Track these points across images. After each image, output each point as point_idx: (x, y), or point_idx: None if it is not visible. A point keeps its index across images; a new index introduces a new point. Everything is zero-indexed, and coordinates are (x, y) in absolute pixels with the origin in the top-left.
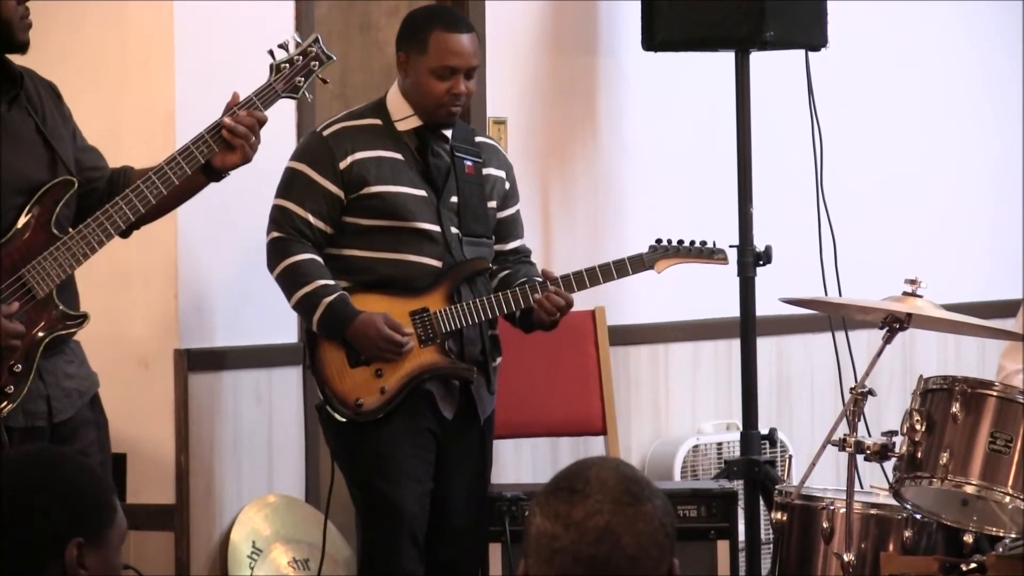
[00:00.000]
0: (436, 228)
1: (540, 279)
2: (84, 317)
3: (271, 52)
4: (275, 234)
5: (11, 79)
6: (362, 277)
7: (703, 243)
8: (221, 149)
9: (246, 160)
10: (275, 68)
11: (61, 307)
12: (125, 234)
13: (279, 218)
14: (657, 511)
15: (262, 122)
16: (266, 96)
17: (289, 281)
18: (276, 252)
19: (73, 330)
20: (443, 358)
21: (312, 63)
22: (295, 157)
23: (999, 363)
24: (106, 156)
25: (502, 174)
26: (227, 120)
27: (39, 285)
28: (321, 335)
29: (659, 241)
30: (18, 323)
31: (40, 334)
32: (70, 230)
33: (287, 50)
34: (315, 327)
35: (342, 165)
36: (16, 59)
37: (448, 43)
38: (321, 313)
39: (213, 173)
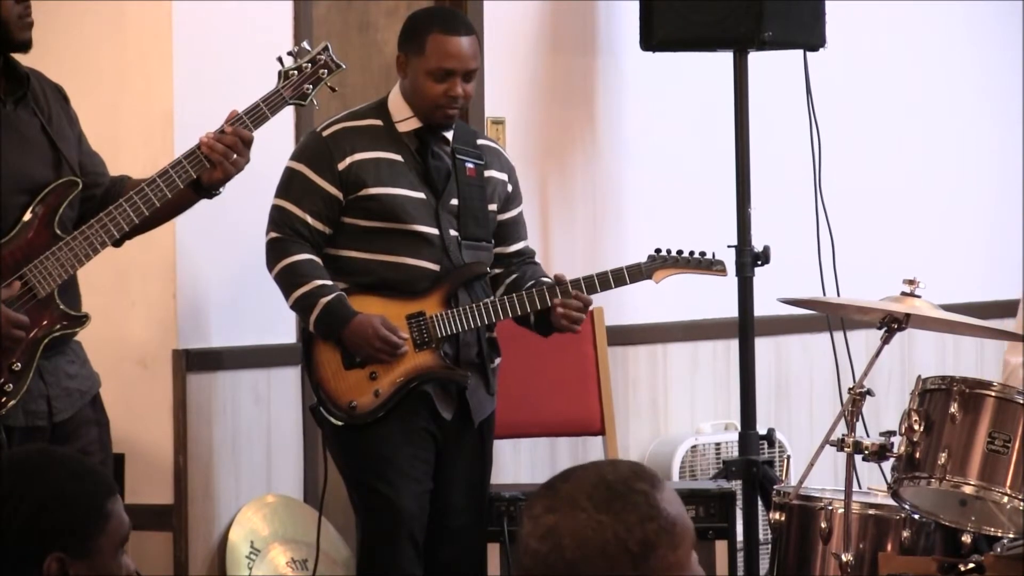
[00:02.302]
0: (434, 231)
1: (548, 279)
2: (85, 317)
3: (280, 59)
4: (273, 234)
5: (18, 79)
6: (360, 279)
7: (702, 253)
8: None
9: (227, 177)
10: (283, 75)
11: (62, 307)
12: (118, 243)
13: (277, 218)
14: (620, 524)
15: (247, 140)
16: (273, 103)
17: (287, 281)
18: (274, 252)
19: (74, 330)
20: (438, 362)
21: (321, 71)
22: (294, 157)
23: (1004, 358)
24: (104, 156)
25: (504, 177)
26: (204, 139)
27: (40, 284)
28: (317, 335)
29: (658, 251)
30: (21, 314)
31: (40, 334)
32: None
33: (296, 57)
34: (312, 327)
35: (341, 166)
36: (20, 60)
37: (446, 45)
38: (318, 313)
39: (202, 189)
